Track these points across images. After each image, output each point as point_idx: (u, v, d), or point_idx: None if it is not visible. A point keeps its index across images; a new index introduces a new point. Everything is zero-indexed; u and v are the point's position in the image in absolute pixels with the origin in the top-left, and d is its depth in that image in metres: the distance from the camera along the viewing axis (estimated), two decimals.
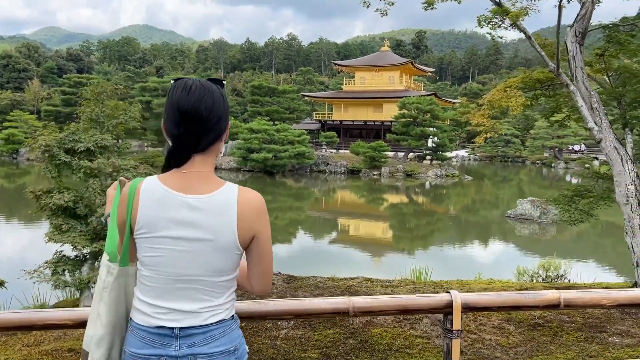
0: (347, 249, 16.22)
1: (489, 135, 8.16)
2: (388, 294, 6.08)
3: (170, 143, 1.66)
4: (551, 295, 2.68)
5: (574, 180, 46.42)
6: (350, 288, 6.44)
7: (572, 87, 6.11)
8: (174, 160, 1.64)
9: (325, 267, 13.50)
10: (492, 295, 2.68)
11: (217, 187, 1.63)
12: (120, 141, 7.83)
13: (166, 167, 1.67)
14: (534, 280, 9.05)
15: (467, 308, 2.61)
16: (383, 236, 19.47)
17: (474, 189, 35.97)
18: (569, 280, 9.03)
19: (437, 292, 6.52)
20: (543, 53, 6.15)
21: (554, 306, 2.68)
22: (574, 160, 61.52)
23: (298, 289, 6.39)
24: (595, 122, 6.02)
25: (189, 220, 1.58)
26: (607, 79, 7.31)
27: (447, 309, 2.59)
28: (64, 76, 63.14)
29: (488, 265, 13.59)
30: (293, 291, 6.26)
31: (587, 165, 58.91)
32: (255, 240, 1.67)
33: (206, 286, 1.62)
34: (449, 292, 2.60)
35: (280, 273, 7.26)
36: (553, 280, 8.91)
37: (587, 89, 6.18)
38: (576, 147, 66.59)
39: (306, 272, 12.62)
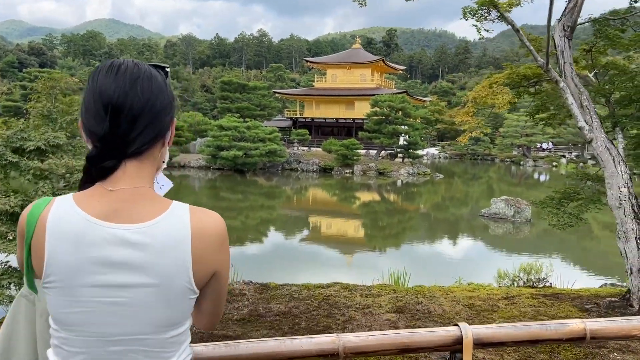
0: (321, 250, 15.79)
1: (474, 134, 7.79)
2: (369, 306, 5.62)
3: (89, 147, 1.16)
4: (575, 326, 2.28)
5: (542, 178, 47.03)
6: (328, 299, 5.97)
7: (561, 84, 5.78)
8: (97, 169, 1.14)
9: (299, 270, 13.05)
10: (509, 328, 2.25)
11: (161, 210, 1.15)
12: (77, 139, 7.18)
13: (86, 181, 1.18)
14: (515, 284, 8.76)
15: (480, 344, 2.19)
16: (357, 236, 19.10)
17: (446, 187, 36.03)
18: (551, 283, 8.79)
19: (420, 302, 6.12)
20: (532, 47, 5.80)
21: (579, 339, 2.28)
22: (542, 158, 62.58)
23: (271, 300, 5.89)
24: (585, 120, 5.70)
25: (124, 260, 1.10)
26: (592, 77, 7.03)
27: (456, 346, 2.16)
28: (24, 70, 60.84)
29: (466, 267, 13.32)
30: (265, 303, 5.77)
31: (554, 163, 60.00)
32: (215, 277, 1.22)
33: (152, 346, 1.15)
34: (457, 325, 2.17)
35: (252, 282, 6.76)
36: (534, 284, 8.64)
37: (576, 85, 5.86)
38: (544, 145, 67.83)
39: (279, 276, 12.13)
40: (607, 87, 6.40)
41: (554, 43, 5.99)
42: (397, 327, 4.67)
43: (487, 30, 5.88)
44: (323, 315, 5.20)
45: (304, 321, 4.94)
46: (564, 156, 64.73)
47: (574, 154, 66.16)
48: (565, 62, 5.94)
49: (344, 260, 14.66)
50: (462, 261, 14.36)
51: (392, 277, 9.24)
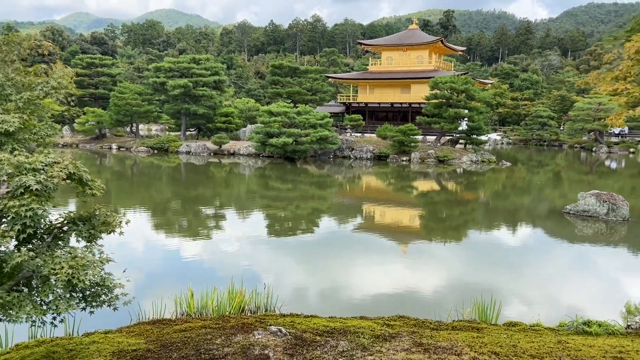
0: (380, 246, 13.50)
1: (637, 112, 5.30)
2: None
3: None
4: None
5: (614, 165, 42.37)
6: None
7: None
8: None
9: (353, 272, 10.87)
10: None
11: None
12: (43, 124, 5.24)
13: None
14: None
15: None
16: (420, 231, 16.57)
17: (516, 176, 32.67)
18: None
19: None
20: None
21: None
22: (617, 144, 57.29)
23: None
24: None
25: None
26: None
27: None
28: (77, 57, 61.34)
29: (566, 286, 10.67)
30: None
31: (632, 150, 54.76)
32: None
33: None
34: None
35: (280, 331, 4.61)
36: None
37: None
38: (616, 130, 62.16)
39: (323, 295, 9.78)
40: None
41: None
42: None
43: None
44: None
45: None
46: None
47: None
48: None
49: (407, 262, 12.30)
50: (559, 276, 11.51)
51: (476, 308, 6.89)
